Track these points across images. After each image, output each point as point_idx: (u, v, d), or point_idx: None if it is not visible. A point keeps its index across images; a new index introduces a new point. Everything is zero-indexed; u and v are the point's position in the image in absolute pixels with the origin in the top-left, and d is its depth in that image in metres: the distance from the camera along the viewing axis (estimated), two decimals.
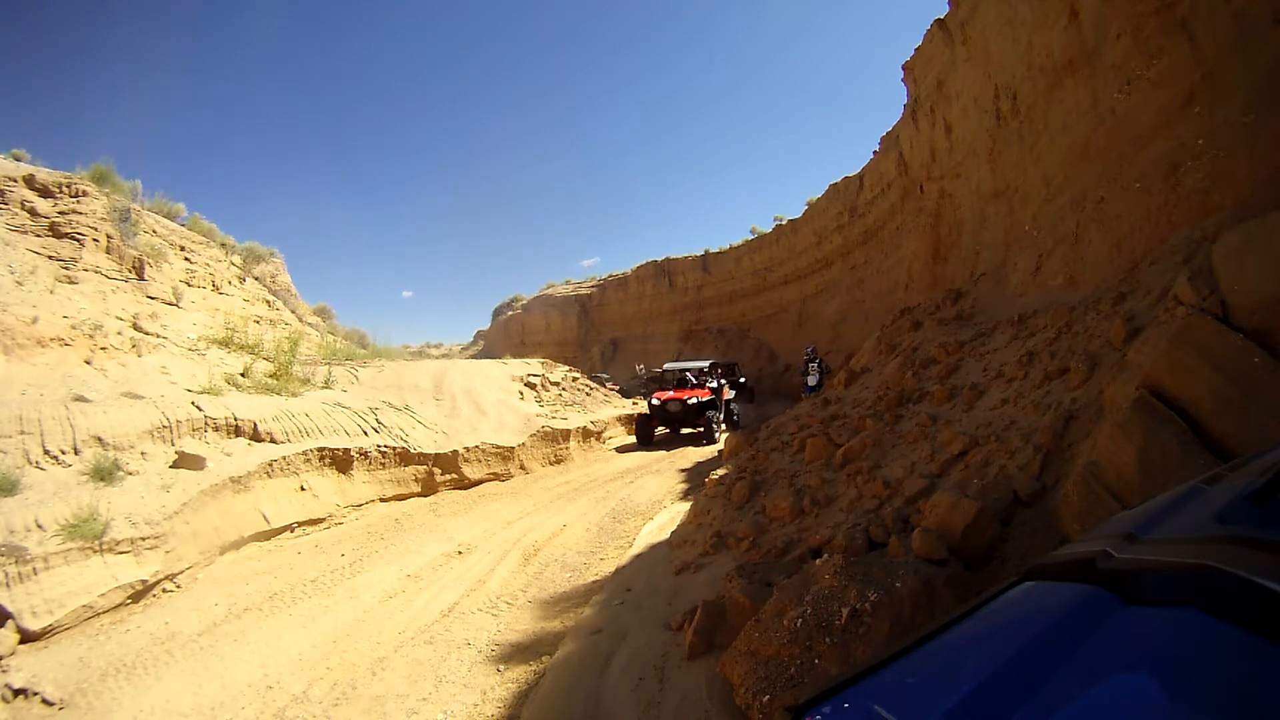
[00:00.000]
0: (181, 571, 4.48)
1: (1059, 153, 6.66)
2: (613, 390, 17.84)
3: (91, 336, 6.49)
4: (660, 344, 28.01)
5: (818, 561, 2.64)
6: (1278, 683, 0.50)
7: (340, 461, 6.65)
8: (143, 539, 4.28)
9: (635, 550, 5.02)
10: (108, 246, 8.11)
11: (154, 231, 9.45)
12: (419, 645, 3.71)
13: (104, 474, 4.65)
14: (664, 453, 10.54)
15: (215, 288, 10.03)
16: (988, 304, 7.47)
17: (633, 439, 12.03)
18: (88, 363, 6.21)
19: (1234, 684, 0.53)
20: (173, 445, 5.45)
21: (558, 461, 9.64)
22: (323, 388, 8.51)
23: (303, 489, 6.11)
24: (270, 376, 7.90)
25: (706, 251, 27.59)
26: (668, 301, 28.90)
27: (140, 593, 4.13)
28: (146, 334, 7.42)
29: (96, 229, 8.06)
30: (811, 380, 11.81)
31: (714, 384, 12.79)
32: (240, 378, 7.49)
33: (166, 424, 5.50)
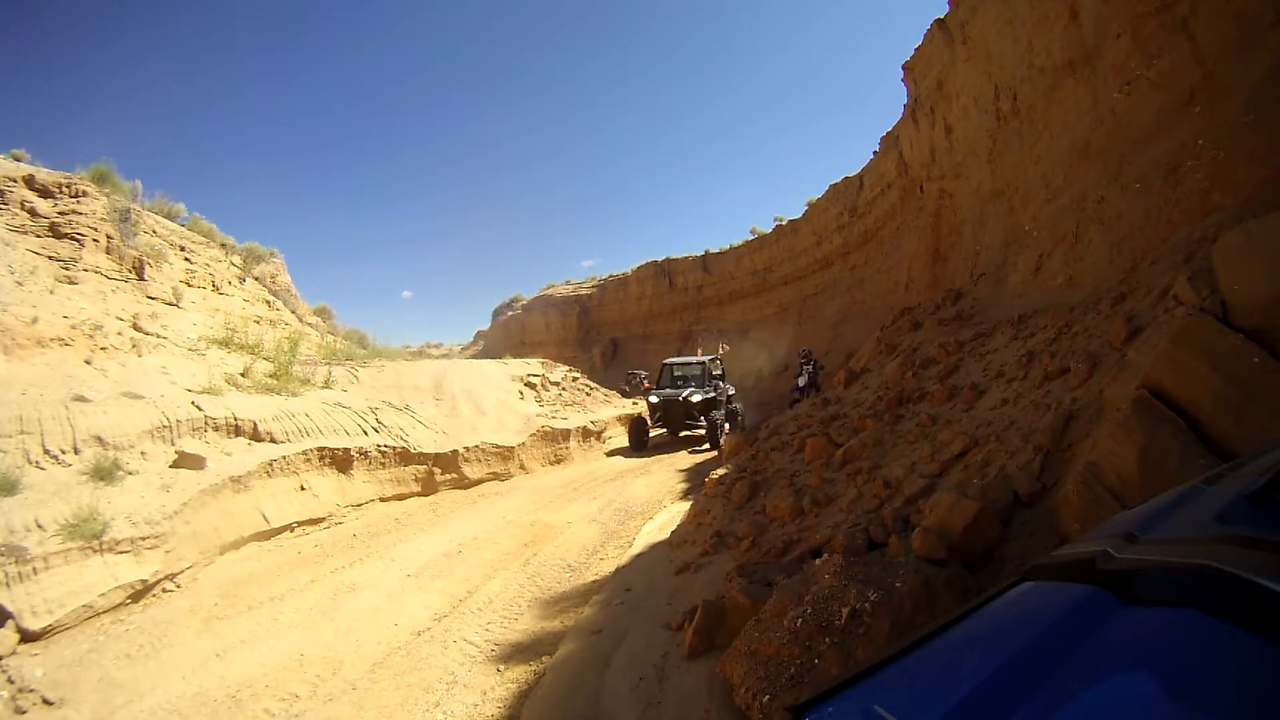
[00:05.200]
0: (181, 571, 4.48)
1: (1059, 153, 6.67)
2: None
3: (91, 336, 6.49)
4: (660, 344, 27.99)
5: (818, 561, 2.63)
6: (1278, 683, 0.50)
7: (340, 461, 6.66)
8: (143, 539, 4.28)
9: (635, 550, 5.02)
10: (108, 247, 8.11)
11: (154, 232, 9.44)
12: (418, 645, 3.72)
13: (104, 474, 4.65)
14: (664, 454, 10.51)
15: (215, 288, 10.03)
16: (988, 304, 7.47)
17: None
18: (88, 363, 6.21)
19: (1234, 684, 0.53)
20: (173, 445, 5.45)
21: (558, 461, 9.64)
22: (323, 388, 8.51)
23: (303, 489, 6.11)
24: (270, 376, 7.89)
25: (706, 251, 27.61)
26: (668, 301, 28.92)
27: (140, 592, 4.13)
28: (146, 334, 7.42)
29: (96, 229, 8.06)
30: (801, 381, 11.44)
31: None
32: (240, 378, 7.49)
33: (166, 424, 5.50)
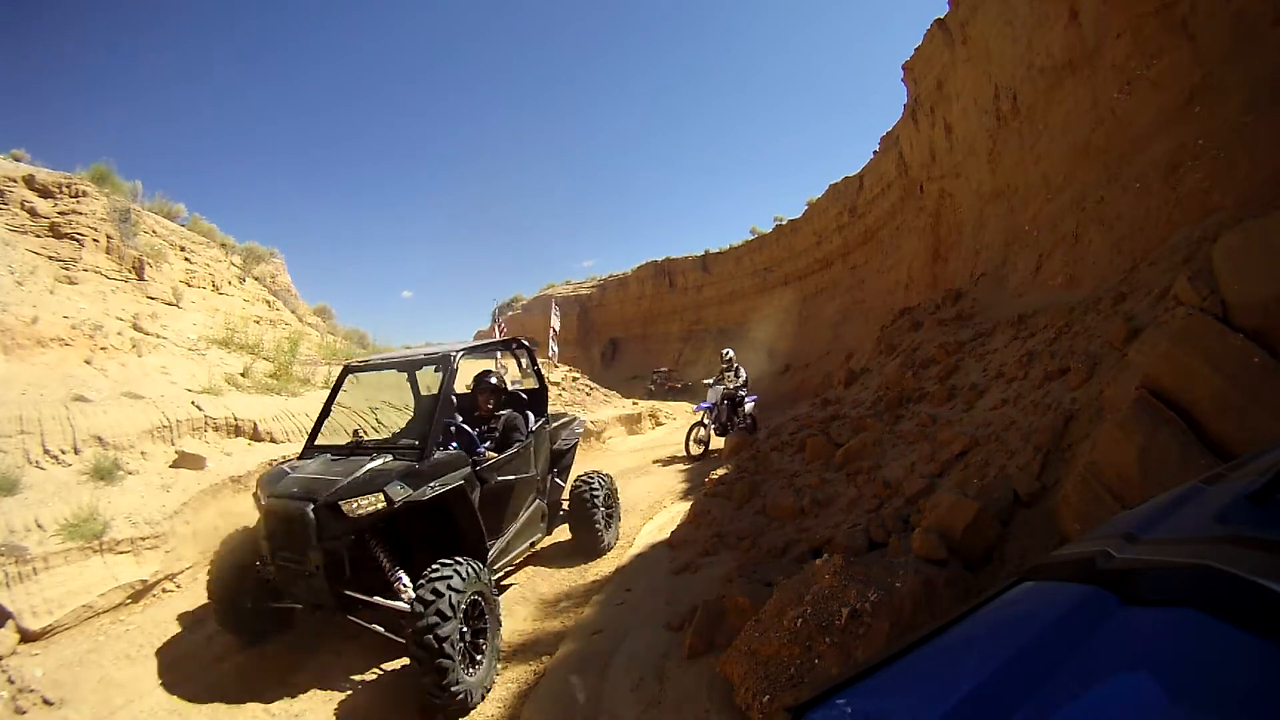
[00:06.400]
0: (182, 571, 4.48)
1: (1059, 153, 6.66)
2: (682, 385, 17.77)
3: (91, 336, 6.49)
4: (660, 344, 28.03)
5: (818, 561, 2.63)
6: (1278, 683, 0.50)
7: None
8: (143, 539, 4.27)
9: (635, 550, 5.02)
10: (108, 247, 8.10)
11: (154, 232, 9.44)
12: None
13: (104, 474, 4.64)
14: (663, 451, 9.24)
15: (215, 288, 10.02)
16: (988, 304, 7.47)
17: (632, 438, 11.75)
18: (88, 363, 6.21)
19: (1234, 684, 0.53)
20: (173, 445, 5.45)
21: None
22: (323, 388, 8.50)
23: None
24: (270, 376, 7.89)
25: (706, 251, 27.66)
26: (668, 301, 28.97)
27: (140, 592, 4.12)
28: (146, 334, 7.42)
29: (96, 229, 8.06)
30: (711, 395, 8.34)
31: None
32: (240, 378, 7.49)
33: (166, 424, 5.50)
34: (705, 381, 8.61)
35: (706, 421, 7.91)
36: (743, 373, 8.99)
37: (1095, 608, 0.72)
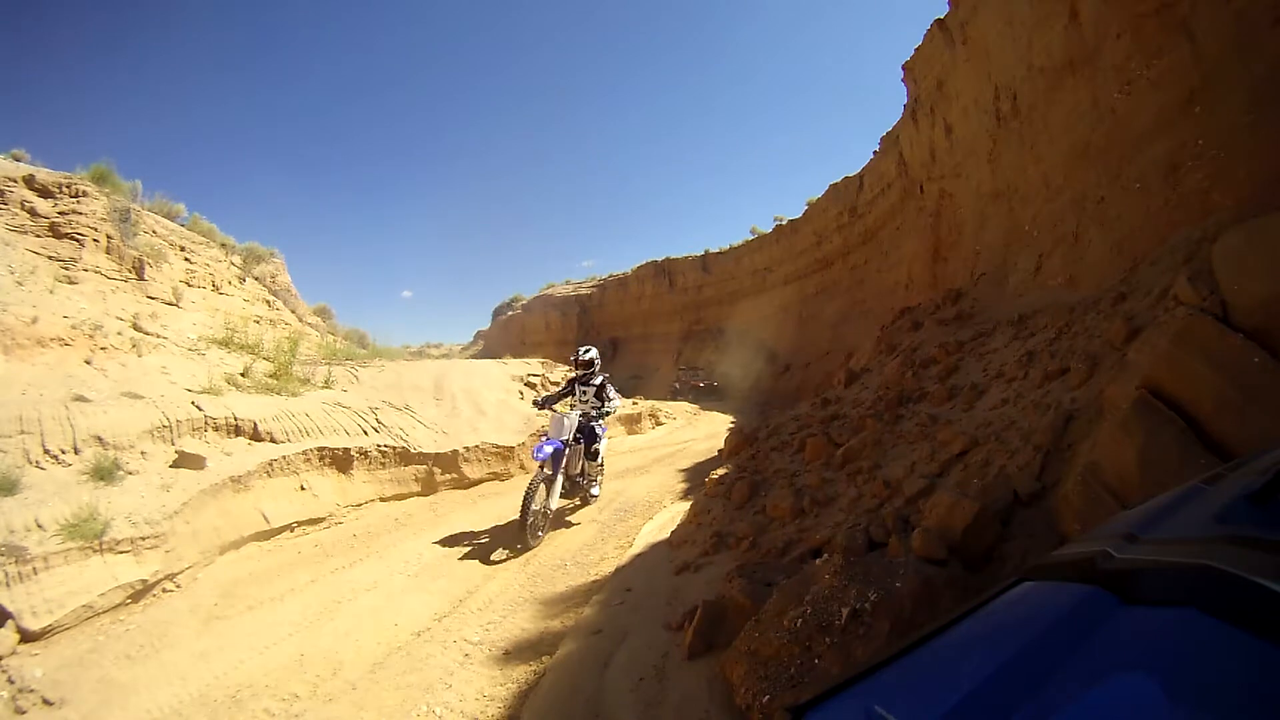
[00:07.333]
0: (181, 571, 4.48)
1: (1059, 153, 6.66)
2: (707, 385, 17.66)
3: (91, 336, 6.49)
4: (660, 344, 28.05)
5: (818, 561, 2.64)
6: (1278, 683, 0.50)
7: (340, 461, 6.65)
8: (143, 539, 4.27)
9: (635, 550, 5.02)
10: (108, 247, 8.10)
11: (154, 232, 9.44)
12: (418, 645, 3.71)
13: (104, 474, 4.64)
14: (663, 451, 10.42)
15: (215, 288, 10.03)
16: (988, 304, 7.47)
17: (632, 438, 11.86)
18: (88, 363, 6.21)
19: (1234, 684, 0.53)
20: (173, 445, 5.44)
21: None
22: (323, 388, 8.50)
23: (303, 488, 6.10)
24: (270, 376, 7.89)
25: (706, 251, 27.69)
26: (668, 301, 29.01)
27: (140, 592, 4.12)
28: (146, 334, 7.42)
29: (96, 229, 8.06)
30: (555, 430, 5.25)
31: None
32: (240, 377, 7.49)
33: (166, 424, 5.50)
34: (539, 398, 5.77)
35: (550, 472, 5.00)
36: (611, 390, 6.06)
37: (1095, 608, 0.72)
